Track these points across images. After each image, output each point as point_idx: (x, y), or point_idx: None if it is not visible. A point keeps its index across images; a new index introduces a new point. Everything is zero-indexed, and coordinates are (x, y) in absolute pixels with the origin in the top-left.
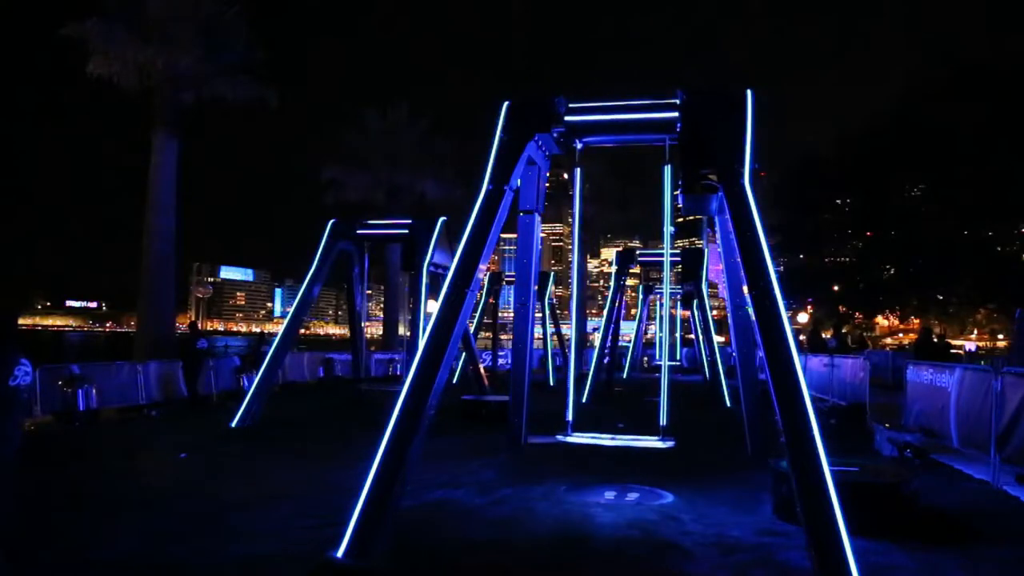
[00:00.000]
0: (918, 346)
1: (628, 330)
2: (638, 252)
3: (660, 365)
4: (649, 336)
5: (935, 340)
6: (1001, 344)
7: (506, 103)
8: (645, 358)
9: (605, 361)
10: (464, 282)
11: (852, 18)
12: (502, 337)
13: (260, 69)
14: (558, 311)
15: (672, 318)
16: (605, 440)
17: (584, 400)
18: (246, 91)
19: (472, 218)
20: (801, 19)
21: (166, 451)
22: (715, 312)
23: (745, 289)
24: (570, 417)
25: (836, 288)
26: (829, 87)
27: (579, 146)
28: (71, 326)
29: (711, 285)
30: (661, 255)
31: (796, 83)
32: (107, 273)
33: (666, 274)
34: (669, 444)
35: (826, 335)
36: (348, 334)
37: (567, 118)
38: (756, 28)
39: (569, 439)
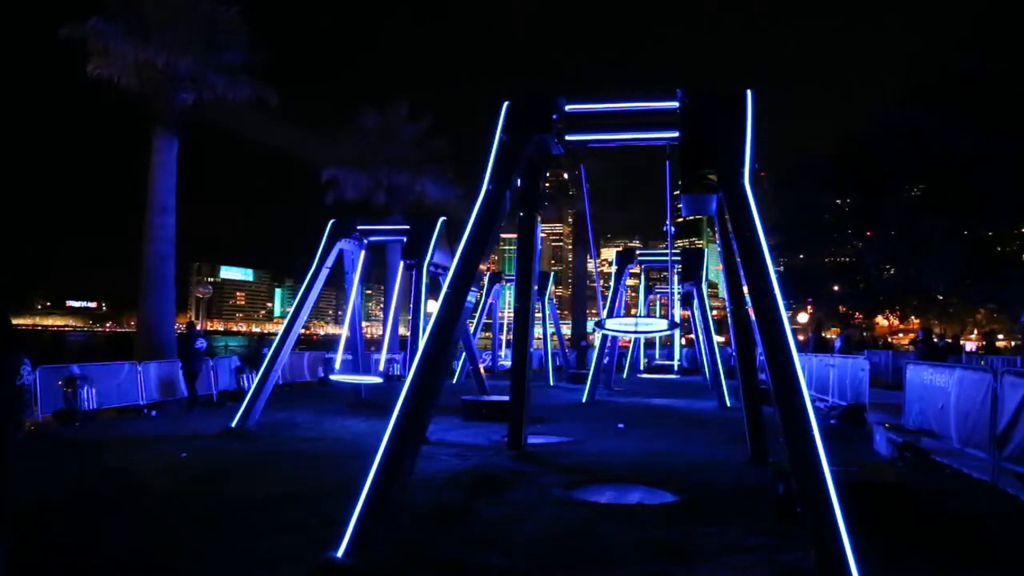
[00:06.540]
0: (921, 347)
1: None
2: (638, 252)
3: (660, 366)
4: (648, 337)
5: (935, 341)
6: (1000, 344)
7: (506, 103)
8: (645, 359)
9: (605, 362)
10: (464, 282)
11: (853, 20)
12: (502, 337)
13: (260, 69)
14: (559, 311)
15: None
16: (630, 330)
17: (584, 400)
18: (246, 91)
19: (472, 218)
20: (803, 20)
21: (166, 451)
22: (715, 312)
23: (745, 289)
24: (604, 314)
25: (836, 288)
26: (829, 88)
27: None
28: (71, 326)
29: (711, 285)
30: (661, 255)
31: (796, 84)
32: (107, 273)
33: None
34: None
35: (829, 335)
36: (348, 334)
37: (567, 119)
38: (757, 28)
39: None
